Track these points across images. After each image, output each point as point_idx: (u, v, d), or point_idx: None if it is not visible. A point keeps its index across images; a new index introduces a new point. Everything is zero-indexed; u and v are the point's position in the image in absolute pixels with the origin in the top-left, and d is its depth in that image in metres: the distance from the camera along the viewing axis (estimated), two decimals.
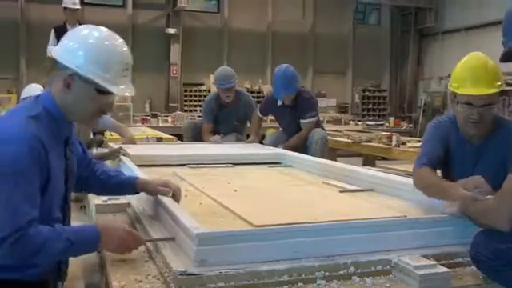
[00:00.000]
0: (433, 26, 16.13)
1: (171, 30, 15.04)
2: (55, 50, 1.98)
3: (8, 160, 1.72)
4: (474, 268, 1.91)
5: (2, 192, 1.70)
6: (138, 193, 2.50)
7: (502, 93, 12.41)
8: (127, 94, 2.02)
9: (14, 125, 1.81)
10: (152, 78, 15.34)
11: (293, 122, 5.49)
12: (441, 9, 16.05)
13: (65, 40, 1.99)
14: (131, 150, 4.12)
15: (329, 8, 16.74)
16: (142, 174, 2.78)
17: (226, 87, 5.82)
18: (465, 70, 2.61)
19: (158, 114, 12.83)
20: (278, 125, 6.29)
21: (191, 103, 15.68)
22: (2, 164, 1.72)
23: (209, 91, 15.48)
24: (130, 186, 2.46)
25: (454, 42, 15.07)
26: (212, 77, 15.28)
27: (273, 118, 6.80)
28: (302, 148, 5.20)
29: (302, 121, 5.39)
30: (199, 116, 12.52)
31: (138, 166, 3.44)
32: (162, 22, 15.50)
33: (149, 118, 12.22)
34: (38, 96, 2.01)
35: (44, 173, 1.83)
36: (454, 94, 2.64)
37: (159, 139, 6.65)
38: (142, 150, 4.56)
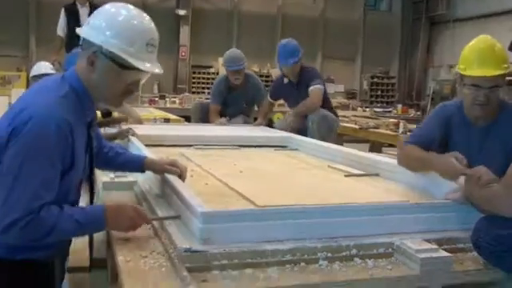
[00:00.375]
0: (444, 13, 16.02)
1: (181, 12, 15.03)
2: (80, 28, 1.97)
3: (35, 140, 1.72)
4: (475, 254, 1.92)
5: (23, 172, 1.70)
6: (143, 171, 2.52)
7: (509, 82, 12.26)
8: (156, 71, 1.98)
9: (46, 104, 1.79)
10: (161, 59, 14.64)
11: (299, 100, 5.47)
12: None
13: (90, 19, 1.97)
14: (139, 130, 4.14)
15: None
16: (150, 154, 2.80)
17: (234, 69, 5.82)
18: (472, 51, 2.64)
19: (166, 95, 12.85)
20: (285, 109, 6.28)
21: (199, 85, 15.70)
22: (28, 143, 1.72)
23: (217, 74, 15.49)
24: (138, 165, 2.49)
25: (466, 31, 14.96)
26: (221, 59, 15.30)
27: (281, 102, 6.77)
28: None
29: (309, 89, 5.35)
30: (207, 98, 12.55)
31: (146, 145, 3.46)
32: (172, 2, 15.49)
33: (157, 99, 12.25)
34: (63, 75, 1.98)
35: (68, 157, 1.83)
36: (461, 77, 2.66)
37: (167, 120, 6.69)
38: (149, 130, 4.58)
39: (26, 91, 2.03)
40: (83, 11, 7.20)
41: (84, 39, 1.93)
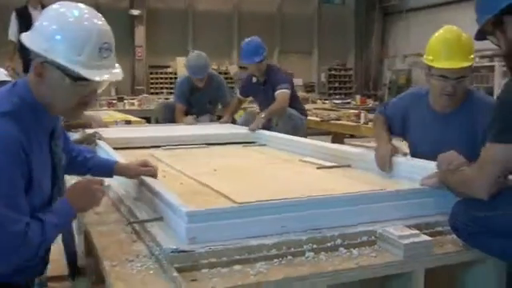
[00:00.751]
0: (397, 4, 16.32)
1: (135, 12, 14.85)
2: (25, 34, 1.77)
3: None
4: (453, 236, 1.98)
5: None
6: (112, 176, 2.42)
7: (475, 69, 12.59)
8: (107, 78, 1.76)
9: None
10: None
11: (267, 99, 5.50)
12: None
13: (36, 22, 1.77)
14: (105, 133, 4.08)
15: None
16: (120, 158, 2.76)
17: (198, 77, 5.84)
18: (439, 43, 2.69)
19: (125, 97, 12.64)
20: (246, 106, 6.31)
21: (157, 85, 15.55)
22: None
23: (175, 73, 15.39)
24: (108, 170, 2.40)
25: (418, 20, 15.29)
26: (179, 59, 15.24)
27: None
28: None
29: (275, 93, 5.39)
30: (166, 98, 12.44)
31: (114, 149, 3.42)
32: (125, 3, 15.28)
33: (115, 101, 12.05)
34: (14, 84, 1.80)
35: (25, 175, 1.67)
36: (429, 67, 2.71)
37: (128, 122, 6.60)
38: (116, 133, 4.52)
39: None
40: (35, 14, 7.03)
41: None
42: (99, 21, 1.79)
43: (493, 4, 1.92)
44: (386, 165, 2.75)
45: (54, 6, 1.79)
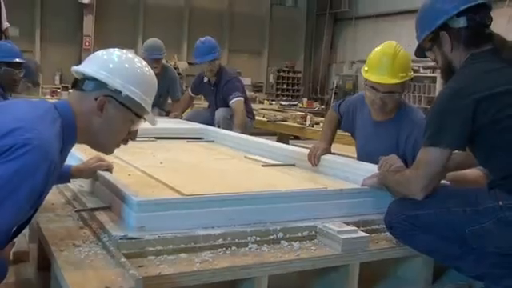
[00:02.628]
0: (347, 11, 16.65)
1: (85, 0, 14.52)
2: (88, 67, 1.83)
3: (33, 168, 1.52)
4: (388, 234, 2.12)
5: (21, 192, 1.50)
6: (69, 182, 2.41)
7: (419, 79, 12.78)
8: (154, 124, 1.96)
9: (48, 138, 1.59)
10: (63, 48, 14.77)
11: (215, 101, 5.57)
12: None
13: (98, 59, 1.86)
14: None
15: None
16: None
17: (154, 57, 5.78)
18: (375, 56, 2.86)
19: (69, 86, 12.39)
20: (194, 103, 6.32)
21: None
22: (27, 166, 1.51)
23: None
24: (65, 176, 2.30)
25: (366, 28, 15.68)
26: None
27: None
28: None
29: (230, 103, 5.40)
30: None
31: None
32: None
33: (59, 90, 11.81)
34: (55, 106, 1.76)
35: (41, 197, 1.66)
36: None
37: None
38: None
39: (13, 106, 1.78)
40: None
41: (90, 79, 1.81)
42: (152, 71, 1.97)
43: (430, 21, 2.10)
44: (311, 159, 3.02)
45: (116, 52, 1.90)
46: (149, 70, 1.93)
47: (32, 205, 1.60)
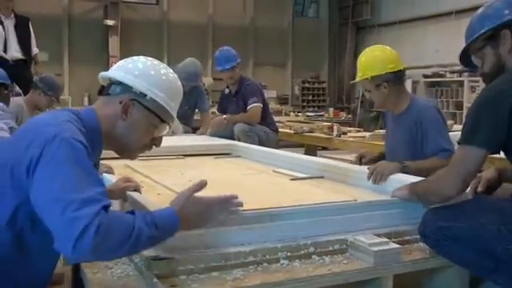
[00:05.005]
0: (369, 18, 16.60)
1: (109, 22, 14.78)
2: (114, 72, 1.86)
3: (70, 151, 1.51)
4: (421, 244, 2.09)
5: (68, 178, 1.46)
6: None
7: (436, 84, 12.79)
8: (178, 132, 1.98)
9: (69, 129, 1.59)
10: (90, 70, 14.99)
11: (237, 111, 5.59)
12: (377, 2, 16.56)
13: (124, 65, 1.88)
14: None
15: (269, 1, 16.93)
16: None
17: (192, 84, 5.93)
18: None
19: None
20: None
21: None
22: (65, 154, 1.50)
23: None
24: None
25: (389, 35, 15.59)
26: None
27: None
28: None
29: (247, 108, 5.46)
30: None
31: None
32: (99, 13, 15.22)
33: None
34: (78, 113, 1.76)
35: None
36: None
37: None
38: None
39: (35, 119, 1.77)
40: (8, 23, 7.00)
41: (116, 83, 1.83)
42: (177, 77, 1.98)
43: (495, 17, 2.04)
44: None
45: (141, 58, 1.92)
46: (174, 77, 1.93)
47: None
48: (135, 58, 1.93)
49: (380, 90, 3.12)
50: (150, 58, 1.95)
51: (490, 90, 1.97)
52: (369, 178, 2.73)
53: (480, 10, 2.14)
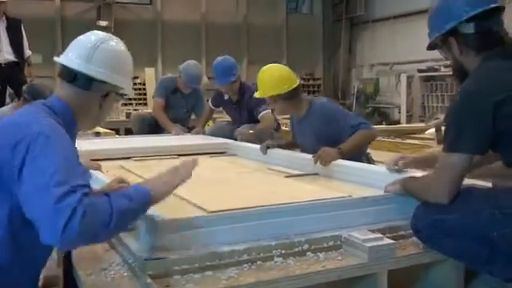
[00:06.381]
0: (363, 14, 16.59)
1: (103, 23, 14.72)
2: (83, 65, 1.88)
3: (53, 138, 1.60)
4: (415, 239, 2.08)
5: (53, 163, 1.52)
6: None
7: (431, 78, 12.77)
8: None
9: (48, 123, 1.67)
10: None
11: (240, 118, 5.55)
12: None
13: (81, 51, 1.91)
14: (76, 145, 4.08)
15: None
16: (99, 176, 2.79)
17: (194, 86, 5.95)
18: None
19: None
20: (216, 117, 6.36)
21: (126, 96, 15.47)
22: (49, 142, 1.57)
23: (144, 84, 15.34)
24: None
25: (384, 31, 15.58)
26: (147, 70, 15.18)
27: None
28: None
29: (258, 117, 5.37)
30: (135, 109, 12.37)
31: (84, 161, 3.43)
32: (92, 14, 15.17)
33: None
34: (50, 105, 1.83)
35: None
36: None
37: (97, 134, 6.58)
38: (85, 144, 4.52)
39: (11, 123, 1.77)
40: (0, 25, 6.99)
41: (82, 75, 1.87)
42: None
43: (440, 24, 2.09)
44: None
45: (93, 38, 1.96)
46: (124, 48, 2.06)
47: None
48: (86, 40, 1.96)
49: (279, 105, 3.57)
50: (106, 36, 2.02)
51: (465, 92, 1.95)
52: (315, 161, 3.16)
53: (429, 14, 2.19)
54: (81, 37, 1.98)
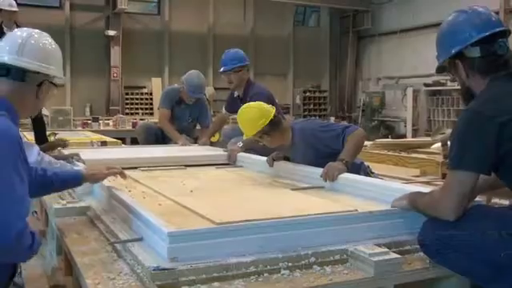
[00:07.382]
0: (370, 28, 16.66)
1: (111, 32, 14.85)
2: (20, 60, 2.11)
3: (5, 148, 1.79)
4: (421, 254, 2.09)
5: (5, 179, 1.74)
6: (81, 185, 2.69)
7: (437, 92, 12.81)
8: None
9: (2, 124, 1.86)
10: (92, 81, 15.12)
11: None
12: (377, 12, 16.62)
13: (19, 48, 2.14)
14: (83, 154, 4.11)
15: (269, 10, 16.98)
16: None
17: (197, 96, 5.96)
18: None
19: (99, 117, 12.62)
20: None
21: (132, 106, 15.55)
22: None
23: (151, 94, 15.42)
24: (79, 179, 2.62)
25: (390, 44, 15.64)
26: (154, 80, 15.27)
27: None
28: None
29: None
30: (141, 118, 12.43)
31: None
32: (101, 23, 15.31)
33: (90, 121, 12.02)
34: None
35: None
36: None
37: (103, 143, 6.62)
38: (93, 154, 4.56)
39: None
40: None
41: (15, 68, 2.09)
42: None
43: (446, 48, 2.14)
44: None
45: (25, 34, 2.22)
46: (52, 42, 2.31)
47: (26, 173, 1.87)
48: (16, 36, 2.21)
49: (265, 139, 3.64)
50: (37, 31, 2.29)
51: (470, 112, 1.98)
52: (325, 179, 3.19)
53: (437, 36, 2.22)
54: (10, 33, 2.28)
